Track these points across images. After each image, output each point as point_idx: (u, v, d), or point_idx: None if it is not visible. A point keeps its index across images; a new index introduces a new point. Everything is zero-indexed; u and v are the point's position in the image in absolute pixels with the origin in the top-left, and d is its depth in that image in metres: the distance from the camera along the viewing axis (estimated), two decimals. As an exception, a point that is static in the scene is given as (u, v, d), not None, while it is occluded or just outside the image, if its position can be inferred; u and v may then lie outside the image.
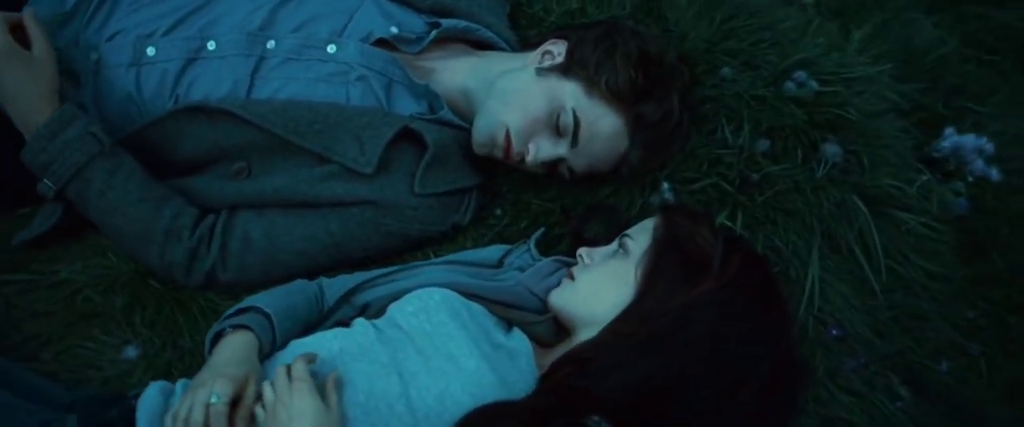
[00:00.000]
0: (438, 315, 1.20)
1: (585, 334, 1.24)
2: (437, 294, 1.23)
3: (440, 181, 1.46)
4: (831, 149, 1.51)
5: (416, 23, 1.58)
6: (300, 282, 1.38)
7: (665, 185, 1.46)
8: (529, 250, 1.41)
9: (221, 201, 1.45)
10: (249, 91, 1.46)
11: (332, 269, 1.44)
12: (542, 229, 1.47)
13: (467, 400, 1.12)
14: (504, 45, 1.60)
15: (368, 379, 1.14)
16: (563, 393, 1.16)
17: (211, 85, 1.46)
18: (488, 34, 1.59)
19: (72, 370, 1.36)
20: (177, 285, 1.43)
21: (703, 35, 1.62)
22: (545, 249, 1.47)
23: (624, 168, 1.45)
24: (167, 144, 1.45)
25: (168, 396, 1.18)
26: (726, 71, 1.58)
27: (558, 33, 1.51)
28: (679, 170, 1.47)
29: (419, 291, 1.25)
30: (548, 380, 1.20)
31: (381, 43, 1.51)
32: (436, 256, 1.47)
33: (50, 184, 1.37)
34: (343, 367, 1.15)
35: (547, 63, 1.45)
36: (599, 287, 1.25)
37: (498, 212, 1.54)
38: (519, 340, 1.26)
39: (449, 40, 1.58)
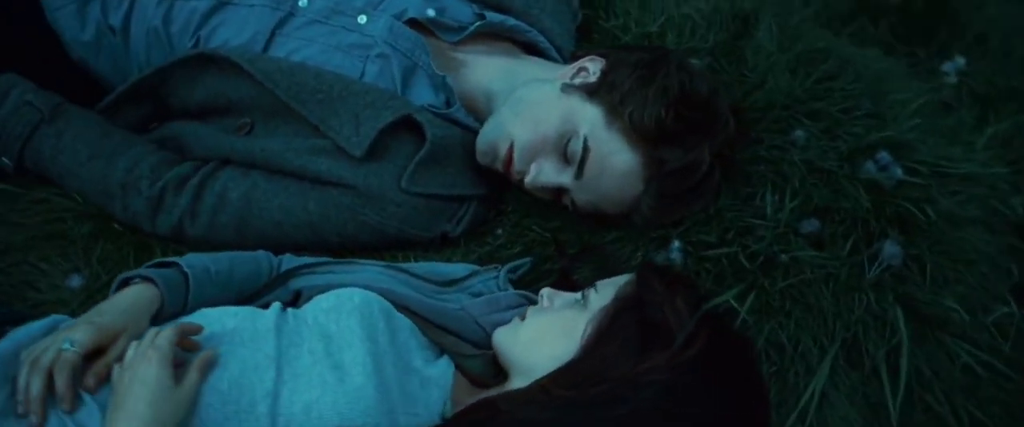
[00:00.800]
0: (349, 319, 1.07)
1: (517, 382, 1.08)
2: (358, 295, 1.10)
3: (433, 182, 1.32)
4: (891, 249, 1.27)
5: (463, 11, 1.45)
6: (260, 253, 1.27)
7: (676, 244, 1.27)
8: (498, 278, 1.25)
9: (214, 152, 1.37)
10: (267, 46, 1.38)
11: (306, 249, 1.33)
12: (528, 260, 1.31)
13: (334, 419, 0.98)
14: (555, 54, 1.46)
15: (242, 368, 1.02)
16: None
17: (232, 32, 1.39)
18: (538, 38, 1.45)
19: (12, 286, 1.31)
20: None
21: (785, 88, 1.41)
22: (532, 282, 1.30)
23: (635, 215, 1.27)
24: (182, 88, 1.39)
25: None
26: (799, 135, 1.37)
27: (602, 52, 1.34)
28: (697, 230, 1.28)
29: (343, 290, 1.12)
30: (451, 421, 1.04)
31: (417, 25, 1.39)
32: (415, 262, 1.34)
33: (7, 160, 1.35)
34: (225, 348, 1.04)
35: (577, 81, 1.29)
36: (543, 335, 1.09)
37: (499, 231, 1.38)
38: (441, 370, 1.11)
39: (495, 37, 1.45)
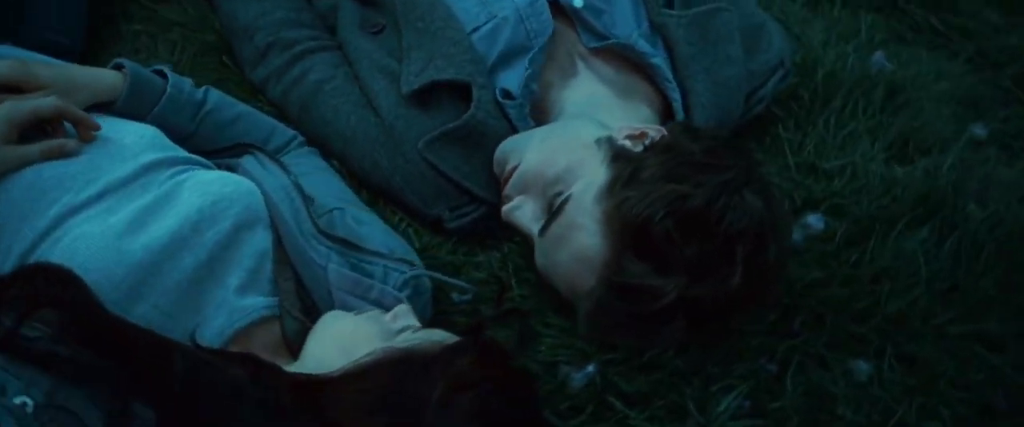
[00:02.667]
0: (201, 199, 1.04)
1: (295, 365, 1.00)
2: (238, 188, 1.07)
3: (448, 159, 1.24)
4: None
5: (624, 26, 1.30)
6: (271, 120, 1.31)
7: (590, 367, 1.06)
8: (403, 277, 1.13)
9: (339, 34, 1.38)
10: None
11: (335, 158, 1.33)
12: (470, 288, 1.18)
13: (84, 256, 0.96)
14: (677, 107, 1.29)
15: (78, 171, 1.02)
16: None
17: None
18: (674, 95, 1.28)
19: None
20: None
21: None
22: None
23: (577, 310, 1.09)
24: None
25: None
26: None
27: (689, 126, 1.18)
28: (622, 368, 1.06)
29: (235, 176, 1.09)
30: (205, 353, 0.97)
31: (562, 14, 1.29)
32: (414, 232, 1.27)
33: None
34: (94, 151, 1.05)
35: (624, 141, 1.12)
36: (334, 336, 1.01)
37: (496, 253, 1.26)
38: (248, 307, 1.04)
39: (634, 67, 1.30)
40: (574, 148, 1.13)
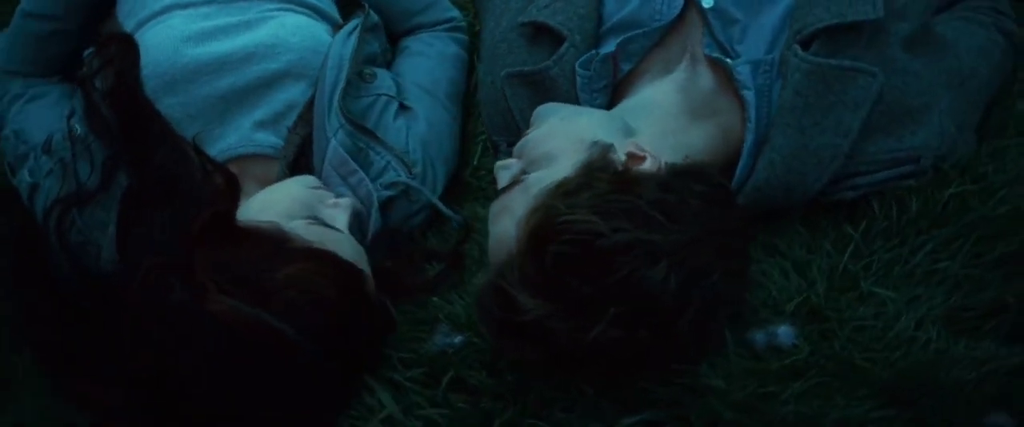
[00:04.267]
0: (269, 37, 1.25)
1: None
2: (311, 42, 1.27)
3: (518, 99, 1.27)
4: None
5: (756, 47, 1.19)
6: None
7: (459, 338, 1.08)
8: (395, 178, 1.24)
9: None
10: None
11: None
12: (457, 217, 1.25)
13: (152, 41, 1.23)
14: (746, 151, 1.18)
15: None
16: None
17: None
18: None
19: None
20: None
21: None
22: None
23: None
24: None
25: None
26: None
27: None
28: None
29: (316, 33, 1.27)
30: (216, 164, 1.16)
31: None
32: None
33: None
34: None
35: (624, 155, 1.08)
36: (274, 190, 1.18)
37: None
38: (261, 139, 1.25)
39: (734, 87, 1.19)
40: (569, 138, 1.11)
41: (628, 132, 1.13)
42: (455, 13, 1.48)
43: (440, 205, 1.25)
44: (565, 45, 1.21)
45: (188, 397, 0.99)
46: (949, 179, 1.15)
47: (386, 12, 1.43)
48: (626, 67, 1.22)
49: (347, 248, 1.09)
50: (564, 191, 1.02)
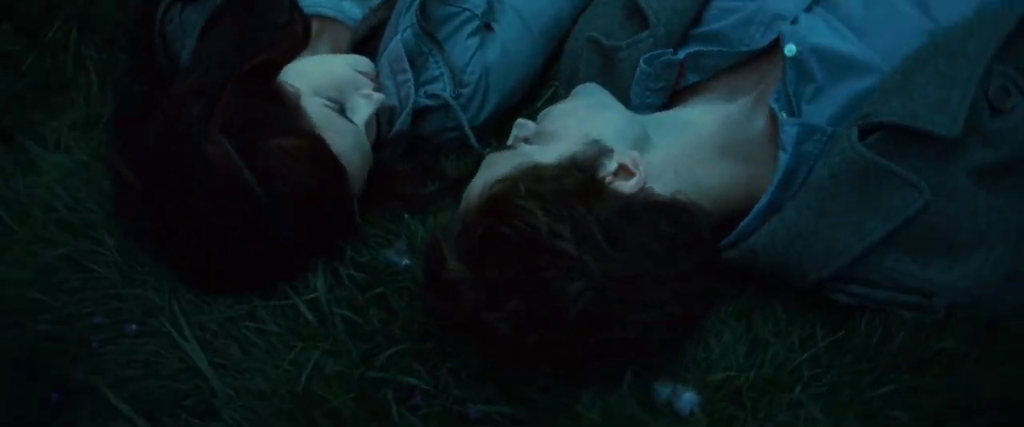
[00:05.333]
0: None
1: None
2: None
3: (590, 66, 1.25)
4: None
5: (822, 114, 1.10)
6: None
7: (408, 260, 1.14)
8: (439, 89, 1.27)
9: None
10: None
11: None
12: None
13: None
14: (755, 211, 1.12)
15: None
16: None
17: None
18: None
19: None
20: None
21: None
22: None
23: None
24: None
25: None
26: None
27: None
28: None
29: None
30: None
31: None
32: None
33: None
34: None
35: (616, 163, 1.05)
36: (314, 60, 1.26)
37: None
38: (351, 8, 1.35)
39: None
40: (580, 126, 1.09)
41: (642, 144, 1.09)
42: None
43: (469, 132, 1.26)
44: (646, 33, 1.17)
45: (158, 209, 1.11)
46: (954, 332, 1.03)
47: None
48: (692, 79, 1.16)
49: (347, 140, 1.14)
50: (535, 175, 1.01)
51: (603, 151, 1.05)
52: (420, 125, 1.27)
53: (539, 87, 1.38)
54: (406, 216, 1.19)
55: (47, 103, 1.46)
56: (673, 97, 1.20)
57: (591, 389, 1.01)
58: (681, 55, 1.16)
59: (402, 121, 1.24)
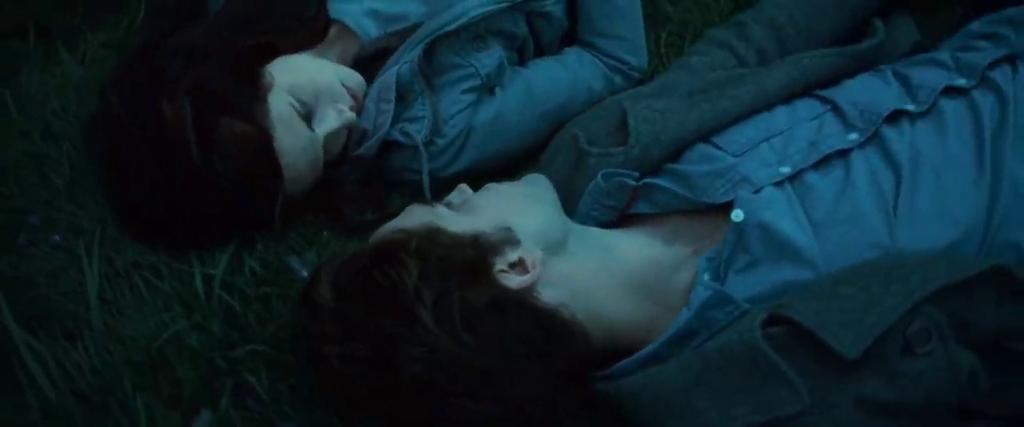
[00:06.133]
0: None
1: None
2: None
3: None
4: None
5: (747, 287, 1.07)
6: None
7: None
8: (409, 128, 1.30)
9: None
10: None
11: None
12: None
13: None
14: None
15: None
16: None
17: None
18: None
19: None
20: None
21: None
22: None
23: None
24: None
25: None
26: None
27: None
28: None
29: None
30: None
31: None
32: None
33: None
34: None
35: (514, 254, 1.05)
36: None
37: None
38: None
39: None
40: (502, 210, 1.09)
41: (556, 249, 1.08)
42: (635, 61, 1.43)
43: (426, 180, 1.29)
44: (621, 149, 1.16)
45: (111, 143, 1.19)
46: None
47: (581, 12, 1.44)
48: (642, 208, 1.15)
49: (296, 144, 1.19)
50: (432, 237, 1.03)
51: (509, 240, 1.05)
52: (387, 157, 1.31)
53: (522, 162, 1.40)
54: (326, 233, 1.23)
55: (95, 16, 1.56)
56: (621, 219, 1.19)
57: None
58: (637, 184, 1.16)
59: (368, 146, 1.28)
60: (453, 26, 1.28)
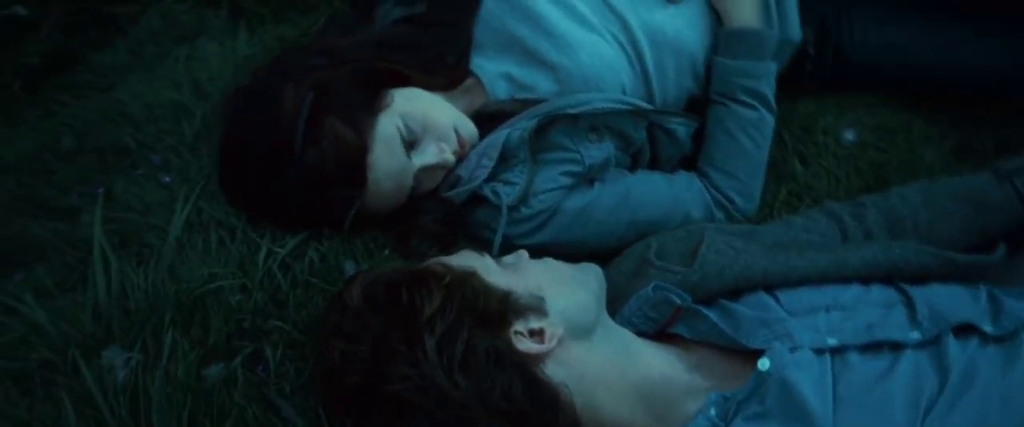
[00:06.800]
0: None
1: None
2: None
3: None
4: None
5: None
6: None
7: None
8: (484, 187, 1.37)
9: None
10: None
11: None
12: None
13: None
14: None
15: None
16: None
17: None
18: None
19: None
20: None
21: None
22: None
23: None
24: None
25: None
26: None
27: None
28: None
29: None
30: None
31: None
32: None
33: None
34: None
35: (534, 324, 1.11)
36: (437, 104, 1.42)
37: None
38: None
39: None
40: (543, 281, 1.14)
41: (579, 333, 1.11)
42: (742, 204, 1.45)
43: (498, 241, 1.34)
44: (683, 270, 1.21)
45: (234, 102, 1.33)
46: None
47: (706, 140, 1.48)
48: (680, 330, 1.17)
49: (388, 165, 1.27)
50: (468, 281, 1.10)
51: (537, 309, 1.10)
52: (472, 210, 1.38)
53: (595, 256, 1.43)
54: (389, 251, 1.31)
55: (283, 11, 1.73)
56: (660, 335, 1.20)
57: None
58: (682, 306, 1.18)
59: (458, 192, 1.36)
60: (573, 111, 1.35)
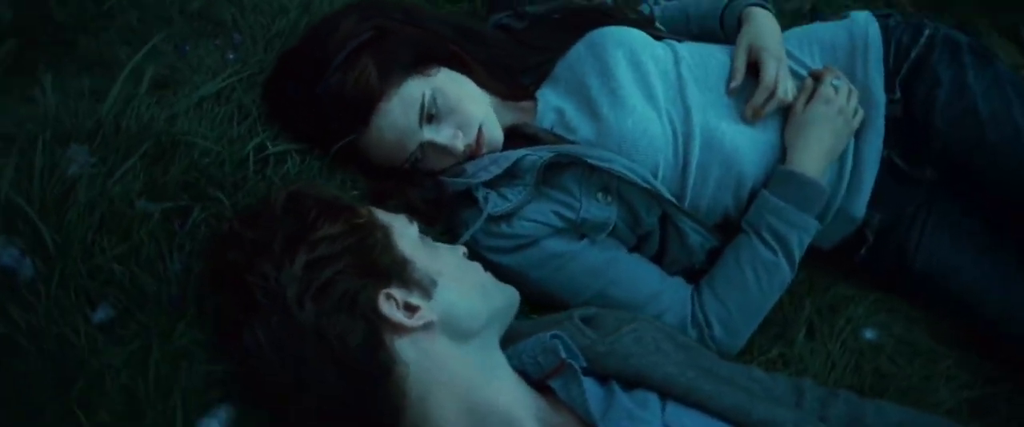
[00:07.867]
0: None
1: None
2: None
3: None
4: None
5: None
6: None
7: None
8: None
9: None
10: None
11: None
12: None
13: None
14: None
15: None
16: None
17: None
18: None
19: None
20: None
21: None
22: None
23: None
24: None
25: None
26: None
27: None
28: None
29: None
30: None
31: None
32: None
33: None
34: None
35: (408, 295, 1.09)
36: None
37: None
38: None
39: None
40: (447, 267, 1.12)
41: (453, 335, 1.08)
42: (721, 336, 1.38)
43: (465, 236, 1.35)
44: (595, 336, 1.17)
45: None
46: None
47: (717, 263, 1.43)
48: (554, 385, 1.10)
49: (395, 116, 1.33)
50: (377, 232, 1.11)
51: (423, 288, 1.08)
52: (460, 204, 1.39)
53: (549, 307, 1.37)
54: (358, 194, 1.34)
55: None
56: (538, 383, 1.15)
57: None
58: (566, 361, 1.11)
59: (454, 181, 1.38)
60: (591, 162, 1.34)
